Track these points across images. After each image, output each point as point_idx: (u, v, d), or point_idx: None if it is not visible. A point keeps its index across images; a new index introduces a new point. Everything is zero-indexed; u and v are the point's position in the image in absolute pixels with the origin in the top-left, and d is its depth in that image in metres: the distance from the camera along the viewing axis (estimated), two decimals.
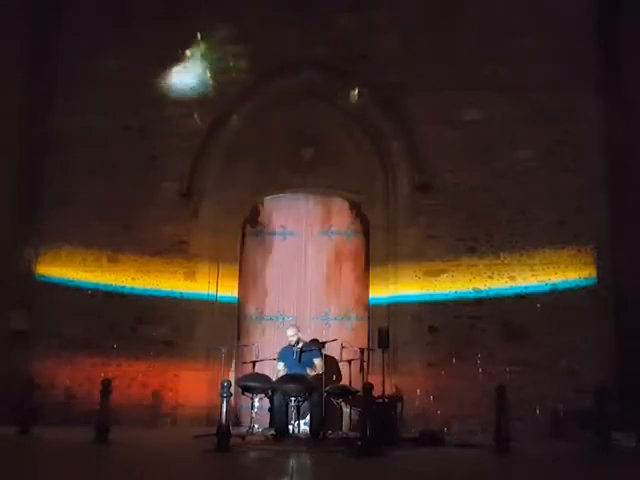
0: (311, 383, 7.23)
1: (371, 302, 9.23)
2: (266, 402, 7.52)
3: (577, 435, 7.35)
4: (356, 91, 9.12)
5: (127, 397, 8.43)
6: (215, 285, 9.33)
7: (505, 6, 9.13)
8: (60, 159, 9.58)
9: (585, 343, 8.35)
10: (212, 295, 9.28)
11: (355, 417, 7.49)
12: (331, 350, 8.02)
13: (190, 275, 9.26)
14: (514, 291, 8.73)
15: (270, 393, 7.33)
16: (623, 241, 8.47)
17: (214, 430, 6.26)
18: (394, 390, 8.19)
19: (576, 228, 8.73)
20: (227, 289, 9.38)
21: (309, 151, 9.50)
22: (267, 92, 9.63)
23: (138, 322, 9.10)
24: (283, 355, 8.02)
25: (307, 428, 7.28)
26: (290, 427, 7.13)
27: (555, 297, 8.61)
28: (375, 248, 9.36)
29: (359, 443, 6.20)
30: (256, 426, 7.39)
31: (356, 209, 9.56)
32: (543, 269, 8.73)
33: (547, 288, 8.68)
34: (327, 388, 7.33)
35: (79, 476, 5.03)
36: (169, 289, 9.19)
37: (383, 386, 7.65)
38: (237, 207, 9.63)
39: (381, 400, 7.33)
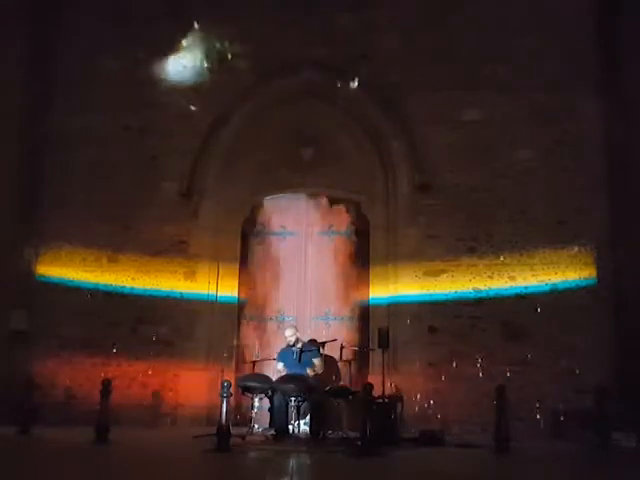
0: (311, 383, 7.23)
1: (371, 302, 9.23)
2: (266, 402, 7.52)
3: (577, 435, 7.35)
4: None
5: (127, 397, 8.43)
6: (215, 285, 9.29)
7: (505, 6, 9.12)
8: (60, 159, 9.58)
9: (585, 343, 8.36)
10: (212, 295, 9.27)
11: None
12: (331, 350, 8.02)
13: (190, 275, 9.27)
14: (514, 291, 8.73)
15: (270, 393, 7.33)
16: (623, 241, 8.47)
17: (214, 430, 6.26)
18: (394, 390, 8.19)
19: (576, 228, 8.73)
20: (227, 289, 9.37)
21: (309, 151, 9.50)
22: (267, 92, 9.63)
23: (138, 322, 9.10)
24: (283, 355, 8.02)
25: (307, 428, 7.28)
26: (290, 427, 7.13)
27: (555, 297, 8.61)
28: (375, 248, 9.37)
29: (359, 443, 6.20)
30: (256, 426, 7.39)
31: (356, 209, 9.56)
32: (543, 269, 8.73)
33: (547, 288, 8.67)
34: (327, 388, 7.33)
35: (79, 476, 5.02)
36: (169, 289, 9.19)
37: (383, 386, 7.65)
38: (237, 207, 9.64)
39: (381, 400, 7.33)
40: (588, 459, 6.49)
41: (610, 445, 6.73)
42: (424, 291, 8.88)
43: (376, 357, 8.30)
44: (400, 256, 9.03)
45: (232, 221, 9.60)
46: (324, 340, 7.94)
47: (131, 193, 9.39)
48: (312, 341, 8.26)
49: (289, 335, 8.00)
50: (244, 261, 9.60)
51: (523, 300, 8.68)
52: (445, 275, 8.90)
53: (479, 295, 8.80)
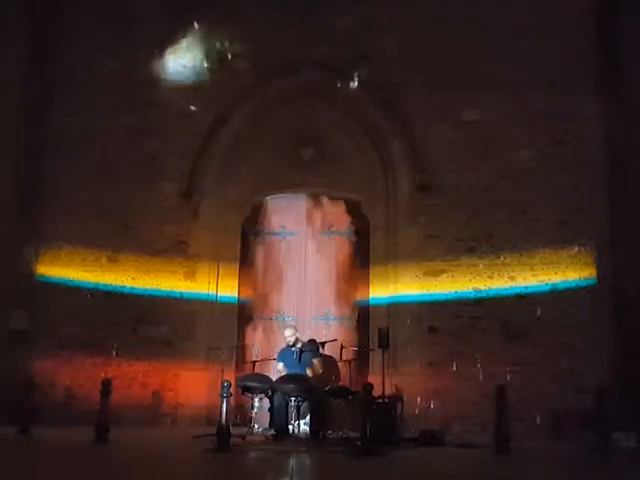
0: (311, 383, 7.23)
1: (371, 302, 9.23)
2: (266, 402, 7.51)
3: (577, 435, 7.35)
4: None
5: (127, 397, 8.43)
6: (215, 285, 9.33)
7: (505, 6, 9.12)
8: (60, 159, 9.59)
9: (585, 343, 8.36)
10: (212, 295, 9.28)
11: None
12: (331, 350, 8.01)
13: (190, 275, 9.27)
14: (514, 291, 8.74)
15: (270, 393, 7.33)
16: (623, 241, 8.48)
17: (214, 430, 6.26)
18: (394, 390, 8.18)
19: (576, 228, 8.73)
20: (227, 289, 9.39)
21: (309, 151, 9.51)
22: (267, 92, 9.63)
23: (138, 322, 9.10)
24: (283, 355, 8.01)
25: (307, 428, 7.27)
26: (290, 427, 7.12)
27: (555, 297, 8.62)
28: (375, 248, 9.37)
29: (359, 443, 6.19)
30: (256, 426, 7.39)
31: (356, 209, 9.56)
32: (543, 269, 8.73)
33: (547, 288, 8.68)
34: (327, 388, 7.33)
35: (79, 476, 5.02)
36: (169, 289, 9.20)
37: (383, 386, 7.64)
38: (237, 207, 9.64)
39: (381, 400, 7.33)
40: (588, 459, 6.49)
41: (610, 445, 6.72)
42: (424, 291, 8.88)
43: (376, 357, 8.30)
44: (400, 256, 9.03)
45: (232, 221, 9.61)
46: (324, 340, 7.93)
47: (131, 193, 9.39)
48: (312, 341, 8.25)
49: (289, 335, 7.99)
50: (244, 261, 9.60)
51: (523, 300, 8.68)
52: (445, 275, 8.90)
53: (479, 295, 8.80)
